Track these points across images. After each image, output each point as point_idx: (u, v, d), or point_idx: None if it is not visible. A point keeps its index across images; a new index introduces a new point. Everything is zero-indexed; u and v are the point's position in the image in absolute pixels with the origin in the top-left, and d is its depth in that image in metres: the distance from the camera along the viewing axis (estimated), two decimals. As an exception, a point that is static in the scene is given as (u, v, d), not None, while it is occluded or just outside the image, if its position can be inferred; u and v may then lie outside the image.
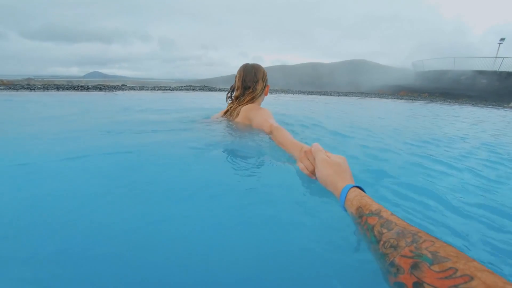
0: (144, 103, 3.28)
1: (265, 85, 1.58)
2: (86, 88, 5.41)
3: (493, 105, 9.13)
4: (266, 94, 1.63)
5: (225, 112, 1.61)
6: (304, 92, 8.53)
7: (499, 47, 19.58)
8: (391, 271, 0.35)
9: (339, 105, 4.80)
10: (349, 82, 22.73)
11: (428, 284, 0.30)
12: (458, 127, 2.89)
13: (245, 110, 1.44)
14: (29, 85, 5.90)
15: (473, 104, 8.82)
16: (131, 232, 0.53)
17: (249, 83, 1.53)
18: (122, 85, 7.99)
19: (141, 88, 6.05)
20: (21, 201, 0.62)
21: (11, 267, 0.44)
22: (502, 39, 19.95)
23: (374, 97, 8.63)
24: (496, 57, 17.90)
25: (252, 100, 1.52)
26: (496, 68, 17.15)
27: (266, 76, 1.59)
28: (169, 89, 6.01)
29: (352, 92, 11.05)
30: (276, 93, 7.82)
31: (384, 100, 7.74)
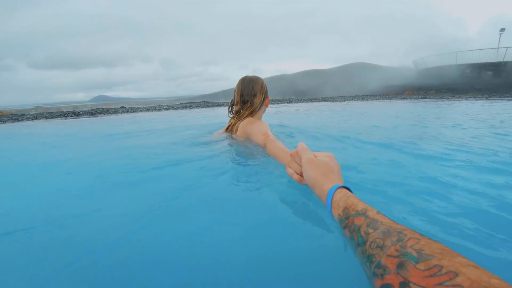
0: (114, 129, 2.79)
1: (264, 97, 1.52)
2: (77, 114, 5.00)
3: (506, 97, 8.42)
4: (266, 106, 1.57)
5: (227, 129, 1.59)
6: (307, 100, 8.00)
7: (500, 38, 18.95)
8: (378, 273, 0.33)
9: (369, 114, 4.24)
10: (351, 86, 22.21)
11: (414, 284, 0.28)
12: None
13: (243, 125, 1.41)
14: (22, 115, 5.54)
15: (486, 98, 8.14)
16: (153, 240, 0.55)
17: (247, 97, 1.48)
18: (121, 107, 7.84)
19: (135, 110, 5.62)
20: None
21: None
22: (502, 30, 19.35)
23: (382, 99, 8.03)
24: (498, 48, 17.29)
25: (251, 114, 1.48)
26: (500, 59, 16.49)
27: (265, 88, 1.52)
28: (165, 108, 5.57)
29: (357, 96, 10.48)
30: (278, 103, 7.31)
31: (394, 101, 7.13)
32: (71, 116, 4.88)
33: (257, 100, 1.49)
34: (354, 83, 23.34)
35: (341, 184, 0.54)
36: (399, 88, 16.78)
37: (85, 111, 5.35)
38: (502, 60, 16.15)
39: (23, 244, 0.56)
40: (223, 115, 3.23)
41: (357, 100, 7.68)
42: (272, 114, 3.75)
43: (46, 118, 4.72)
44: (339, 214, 0.47)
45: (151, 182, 0.90)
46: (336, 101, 7.28)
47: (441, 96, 9.67)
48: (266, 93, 1.53)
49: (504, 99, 7.28)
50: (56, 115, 4.99)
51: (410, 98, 8.29)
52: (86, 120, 4.14)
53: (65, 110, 6.29)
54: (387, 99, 8.13)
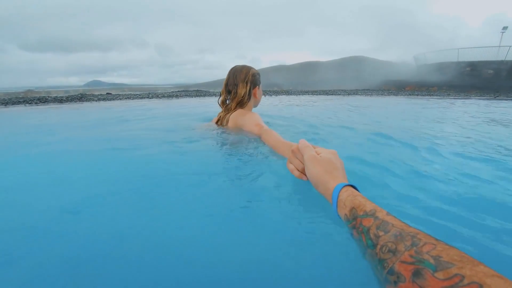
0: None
1: (251, 88, 1.40)
2: (43, 101, 4.22)
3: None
4: (256, 97, 1.45)
5: (217, 122, 1.48)
6: (307, 92, 7.25)
7: (502, 36, 18.35)
8: (391, 279, 0.30)
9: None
10: (350, 79, 21.47)
11: None
12: None
13: (233, 118, 1.35)
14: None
15: (495, 97, 7.54)
16: (138, 234, 0.52)
17: (230, 87, 1.40)
18: (107, 93, 7.31)
19: (114, 98, 4.83)
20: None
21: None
22: (505, 28, 18.76)
23: (387, 95, 7.32)
24: (499, 46, 16.79)
25: (241, 105, 1.39)
26: (502, 58, 15.97)
27: (251, 77, 1.39)
28: (148, 97, 4.79)
29: (357, 90, 9.74)
30: (277, 94, 6.56)
31: (401, 98, 6.44)
32: (36, 103, 4.11)
33: (240, 90, 1.38)
34: (353, 77, 22.61)
35: (346, 182, 0.51)
36: (399, 84, 16.11)
37: (54, 98, 4.57)
38: (504, 59, 15.60)
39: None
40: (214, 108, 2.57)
41: (361, 95, 6.96)
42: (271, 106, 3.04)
43: (6, 105, 3.94)
44: (345, 214, 0.44)
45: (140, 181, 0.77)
46: (338, 94, 6.54)
47: (448, 93, 8.99)
48: (252, 83, 1.40)
49: (510, 100, 6.65)
50: (20, 101, 4.20)
51: (416, 95, 7.60)
52: (46, 108, 3.38)
53: (54, 95, 5.58)
54: (393, 94, 7.42)
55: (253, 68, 1.43)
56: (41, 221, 0.56)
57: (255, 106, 1.50)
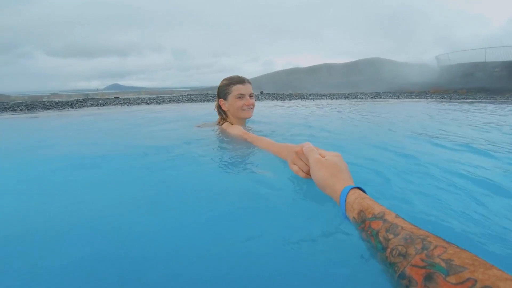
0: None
1: (217, 100, 1.41)
2: (30, 108, 3.71)
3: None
4: (224, 109, 1.39)
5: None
6: (324, 96, 6.41)
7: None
8: (403, 283, 0.29)
9: None
10: (368, 82, 20.22)
11: None
12: None
13: (221, 131, 1.35)
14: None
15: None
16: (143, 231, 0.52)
17: None
18: (115, 97, 7.12)
19: (110, 103, 4.26)
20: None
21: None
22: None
23: (416, 97, 6.31)
24: None
25: (225, 119, 1.40)
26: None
27: (218, 90, 1.38)
28: (145, 103, 4.17)
29: (380, 93, 8.72)
30: (290, 99, 5.77)
31: (445, 102, 5.44)
32: (22, 109, 3.60)
33: (216, 103, 1.43)
34: (370, 79, 21.33)
35: (352, 184, 0.50)
36: (420, 86, 14.77)
37: (43, 104, 4.07)
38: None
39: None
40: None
41: (386, 98, 6.02)
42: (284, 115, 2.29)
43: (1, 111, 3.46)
44: (353, 217, 0.43)
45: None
46: (362, 99, 5.65)
47: (485, 97, 7.80)
48: (218, 95, 1.39)
49: None
50: (6, 108, 3.72)
51: (450, 99, 6.53)
52: (22, 118, 2.83)
53: (75, 98, 5.37)
54: (423, 98, 6.41)
55: (228, 78, 1.34)
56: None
57: (243, 117, 1.38)
